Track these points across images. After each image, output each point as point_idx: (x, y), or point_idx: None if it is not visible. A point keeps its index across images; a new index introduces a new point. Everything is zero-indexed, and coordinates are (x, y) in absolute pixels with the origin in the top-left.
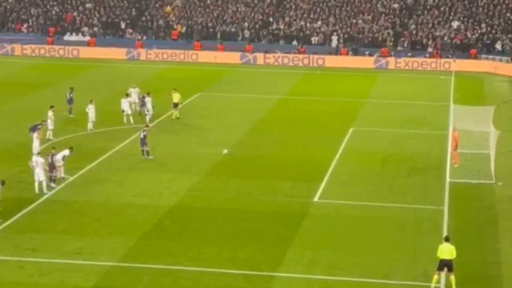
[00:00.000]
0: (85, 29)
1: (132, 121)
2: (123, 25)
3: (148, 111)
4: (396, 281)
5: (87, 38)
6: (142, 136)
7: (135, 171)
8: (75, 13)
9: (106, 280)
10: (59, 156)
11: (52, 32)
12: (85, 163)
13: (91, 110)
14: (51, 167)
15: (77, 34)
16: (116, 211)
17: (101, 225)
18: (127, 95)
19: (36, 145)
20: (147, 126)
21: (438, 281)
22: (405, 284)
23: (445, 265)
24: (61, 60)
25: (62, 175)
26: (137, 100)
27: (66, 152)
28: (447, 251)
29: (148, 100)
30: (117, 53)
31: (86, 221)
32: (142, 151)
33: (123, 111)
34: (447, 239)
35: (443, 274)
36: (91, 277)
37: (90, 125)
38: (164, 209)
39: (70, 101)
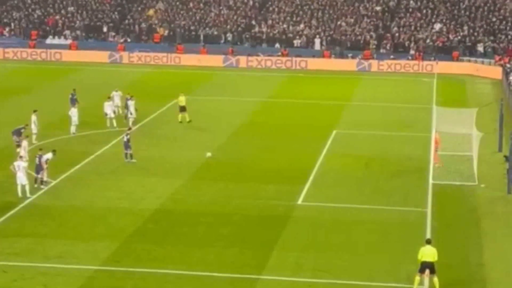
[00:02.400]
0: (67, 32)
1: (115, 124)
2: (105, 29)
3: (131, 114)
4: (380, 283)
5: (69, 41)
6: (125, 139)
7: (118, 175)
8: (57, 17)
9: (89, 284)
10: (43, 159)
11: (34, 35)
12: (68, 167)
13: (73, 113)
14: (39, 168)
15: (59, 38)
16: (99, 215)
17: (84, 229)
18: (110, 98)
19: (22, 150)
20: (129, 129)
21: (421, 283)
22: (389, 286)
23: (426, 267)
24: (43, 64)
25: (45, 178)
26: (120, 104)
27: (49, 155)
28: (429, 253)
29: (131, 103)
30: (100, 56)
31: (69, 225)
32: (126, 154)
33: (106, 114)
34: (428, 242)
35: (425, 276)
36: (74, 281)
37: (73, 129)
38: (148, 213)
39: (73, 102)
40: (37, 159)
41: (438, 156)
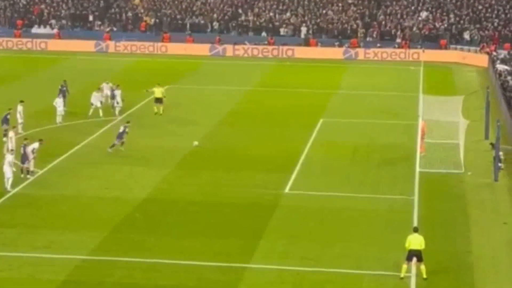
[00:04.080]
0: (53, 21)
1: (101, 114)
2: (91, 18)
3: (117, 103)
4: (368, 271)
5: (55, 30)
6: (121, 130)
7: (106, 165)
8: (42, 6)
9: (77, 274)
10: (29, 149)
11: (20, 24)
12: (54, 157)
13: (59, 103)
14: (24, 158)
15: (45, 27)
16: (86, 204)
17: (72, 219)
18: (99, 89)
19: (9, 142)
20: (128, 122)
21: (408, 271)
22: (377, 274)
23: (414, 255)
24: (29, 53)
25: (32, 168)
26: (109, 93)
27: (35, 145)
28: (416, 242)
29: (117, 92)
30: (86, 45)
31: (57, 214)
32: (114, 144)
33: (91, 104)
34: (416, 230)
35: (413, 264)
36: (62, 271)
37: (58, 118)
38: (135, 202)
39: (63, 93)
40: (22, 149)
41: (424, 145)
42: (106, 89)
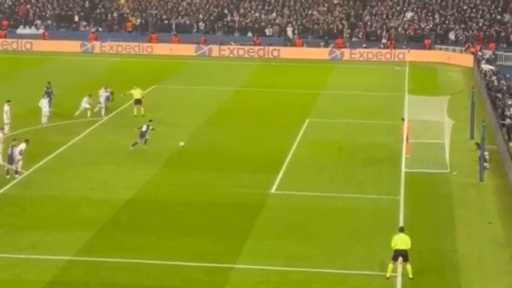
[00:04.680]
0: (38, 22)
1: (89, 114)
2: (76, 18)
3: (100, 103)
4: (353, 271)
5: (41, 31)
6: (145, 129)
7: (91, 165)
8: (28, 6)
9: (63, 275)
10: (16, 150)
11: (5, 25)
12: (40, 157)
13: (44, 104)
14: (11, 159)
15: (30, 27)
16: (72, 205)
17: (58, 219)
18: (91, 96)
19: None
20: (150, 121)
21: (394, 271)
22: (362, 274)
23: (399, 255)
24: (14, 53)
25: (19, 169)
26: (110, 97)
27: (22, 145)
28: (402, 241)
29: (104, 94)
30: (71, 46)
31: (42, 215)
32: (136, 143)
33: (85, 108)
34: (401, 230)
35: (399, 264)
36: (48, 271)
37: (44, 119)
38: (121, 203)
39: (49, 95)
40: (10, 149)
41: (410, 146)
42: (106, 92)
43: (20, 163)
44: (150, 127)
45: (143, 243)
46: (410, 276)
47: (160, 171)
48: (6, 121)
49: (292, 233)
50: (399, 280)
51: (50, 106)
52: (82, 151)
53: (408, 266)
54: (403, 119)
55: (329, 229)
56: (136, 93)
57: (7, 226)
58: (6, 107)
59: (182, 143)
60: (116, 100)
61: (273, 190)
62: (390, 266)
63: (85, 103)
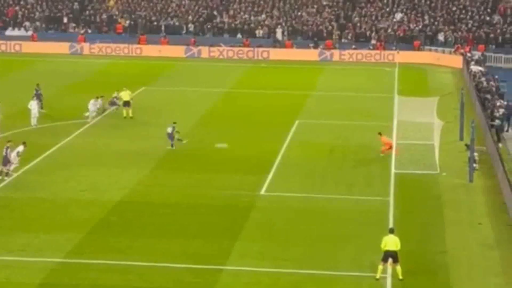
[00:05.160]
0: (27, 23)
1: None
2: (65, 20)
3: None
4: (343, 272)
5: (30, 32)
6: (170, 131)
7: (81, 167)
8: (16, 8)
9: (53, 277)
10: (14, 153)
11: None
12: (30, 159)
13: (33, 106)
14: (5, 160)
15: (19, 29)
16: (62, 206)
17: (47, 221)
18: (97, 98)
19: None
20: (175, 122)
21: (384, 272)
22: (352, 275)
23: (389, 256)
24: (3, 55)
25: (11, 171)
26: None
27: (20, 148)
28: (391, 242)
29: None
30: (60, 47)
31: (32, 217)
32: (172, 144)
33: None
34: (391, 231)
35: (389, 265)
36: (37, 274)
37: (33, 121)
38: (111, 204)
39: (38, 96)
40: (4, 151)
41: (398, 148)
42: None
43: (13, 166)
44: (176, 129)
45: (133, 245)
46: (400, 277)
47: (150, 173)
48: None
49: (282, 235)
50: (389, 281)
51: (41, 107)
52: (72, 153)
53: (398, 267)
54: (379, 134)
55: (319, 231)
56: (125, 95)
57: None
58: None
59: (221, 145)
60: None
61: (263, 191)
62: (380, 267)
63: (92, 106)
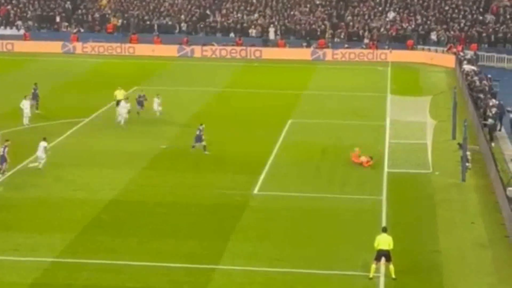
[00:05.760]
0: (19, 23)
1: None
2: (58, 19)
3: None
4: (336, 271)
5: (22, 32)
6: (198, 133)
7: (73, 166)
8: (8, 7)
9: (45, 277)
10: (40, 151)
11: None
12: (22, 158)
13: (25, 105)
14: (3, 159)
15: (11, 28)
16: (54, 206)
17: (39, 221)
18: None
19: None
20: (201, 124)
21: (377, 271)
22: (345, 274)
23: (382, 255)
24: None
25: (42, 165)
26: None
27: (44, 143)
28: (384, 241)
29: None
30: (53, 46)
31: (24, 217)
32: (194, 146)
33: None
34: (384, 230)
35: (382, 264)
36: (30, 273)
37: (25, 120)
38: (103, 204)
39: (35, 96)
40: (2, 150)
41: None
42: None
43: (43, 162)
44: (203, 131)
45: (126, 245)
46: (393, 276)
47: (142, 173)
48: None
49: (275, 234)
50: (382, 280)
51: (36, 108)
52: (64, 153)
53: (391, 266)
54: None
55: (312, 230)
56: (120, 94)
57: None
58: None
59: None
60: (97, 102)
61: (255, 191)
62: (373, 266)
63: (123, 108)
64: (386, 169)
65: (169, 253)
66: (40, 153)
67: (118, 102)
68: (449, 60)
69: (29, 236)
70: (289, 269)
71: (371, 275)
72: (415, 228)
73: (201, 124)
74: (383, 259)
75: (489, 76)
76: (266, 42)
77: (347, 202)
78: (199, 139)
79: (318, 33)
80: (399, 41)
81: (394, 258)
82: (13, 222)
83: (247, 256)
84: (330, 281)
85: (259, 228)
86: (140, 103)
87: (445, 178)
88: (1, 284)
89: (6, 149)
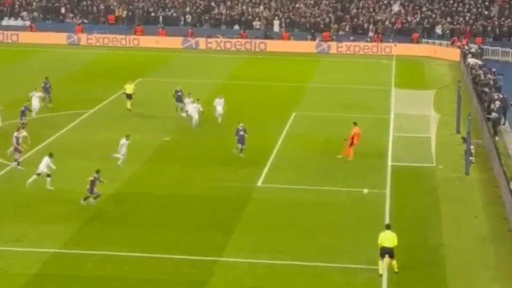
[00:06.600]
0: (24, 14)
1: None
2: (63, 10)
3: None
4: (339, 264)
5: (27, 22)
6: (242, 133)
7: (76, 158)
8: None
9: (48, 267)
10: (123, 148)
11: None
12: (27, 149)
13: (34, 98)
14: (16, 149)
15: (16, 19)
16: (57, 197)
17: (43, 212)
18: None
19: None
20: (240, 123)
21: (382, 267)
22: (348, 267)
23: (386, 253)
24: (0, 45)
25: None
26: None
27: (124, 141)
28: (388, 239)
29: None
30: (58, 38)
31: (27, 208)
32: (241, 149)
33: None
34: (388, 227)
35: (385, 262)
36: (33, 264)
37: (33, 113)
38: (106, 196)
39: (46, 90)
40: (14, 141)
41: (352, 151)
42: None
43: (122, 158)
44: (242, 132)
45: (129, 236)
46: (396, 270)
47: (145, 165)
48: None
49: (278, 227)
50: (385, 275)
51: (49, 101)
52: (68, 144)
53: (394, 262)
54: (354, 123)
55: (315, 223)
56: (129, 88)
57: None
58: None
59: (365, 191)
60: (102, 94)
61: (259, 183)
62: (380, 262)
63: (192, 108)
64: (389, 162)
65: (172, 245)
66: (121, 147)
67: (127, 96)
68: (453, 54)
69: (33, 227)
70: (292, 262)
71: (380, 271)
72: (418, 222)
73: (240, 123)
74: (386, 257)
75: (494, 70)
76: (267, 34)
77: (350, 195)
78: (242, 141)
79: (323, 26)
80: (403, 34)
81: (397, 251)
82: (17, 213)
83: (250, 248)
84: (332, 274)
85: (262, 220)
86: (179, 99)
87: (448, 172)
88: (5, 274)
89: (20, 140)
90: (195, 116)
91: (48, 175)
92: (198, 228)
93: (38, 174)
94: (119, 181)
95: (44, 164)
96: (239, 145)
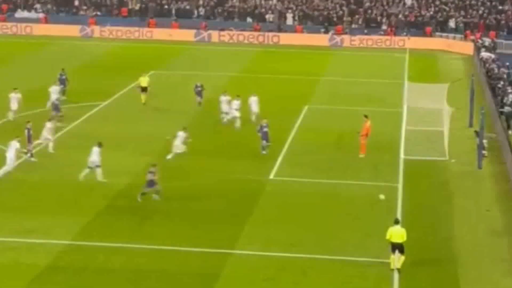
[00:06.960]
0: (38, 6)
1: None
2: (76, 2)
3: (226, 113)
4: (350, 257)
5: (40, 15)
6: (265, 129)
7: (88, 151)
8: None
9: (60, 259)
10: (180, 143)
11: (4, 9)
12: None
13: (54, 90)
14: (28, 140)
15: (29, 11)
16: (70, 189)
17: (55, 204)
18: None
19: (46, 132)
20: (264, 119)
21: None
22: (359, 260)
23: (395, 248)
24: (14, 37)
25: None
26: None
27: (181, 133)
28: (397, 234)
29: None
30: (71, 30)
31: (40, 199)
32: (264, 146)
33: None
34: (397, 222)
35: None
36: (45, 255)
37: (48, 104)
38: (118, 188)
39: (63, 81)
40: (26, 132)
41: (365, 145)
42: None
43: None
44: (266, 129)
45: (141, 228)
46: (398, 266)
47: (158, 158)
48: (13, 108)
49: (290, 220)
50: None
51: (64, 94)
52: (81, 136)
53: (402, 257)
54: (366, 116)
55: (327, 216)
56: (144, 81)
57: (5, 210)
58: (14, 95)
59: (382, 196)
60: (114, 87)
61: (271, 176)
62: (392, 257)
63: (229, 108)
64: (402, 156)
65: (185, 237)
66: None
67: (142, 89)
68: (467, 47)
69: (45, 219)
70: (304, 254)
71: (392, 266)
72: (431, 215)
73: (264, 119)
74: (396, 252)
75: (507, 64)
76: (279, 28)
77: (362, 189)
78: (265, 137)
79: (336, 19)
80: (417, 27)
81: (408, 245)
82: (29, 205)
83: (262, 241)
84: (344, 267)
85: (275, 213)
86: (199, 94)
87: (461, 166)
88: (16, 265)
89: (31, 131)
90: (236, 113)
91: (98, 166)
92: (210, 221)
93: (90, 168)
94: (131, 173)
95: (95, 155)
96: (264, 142)
